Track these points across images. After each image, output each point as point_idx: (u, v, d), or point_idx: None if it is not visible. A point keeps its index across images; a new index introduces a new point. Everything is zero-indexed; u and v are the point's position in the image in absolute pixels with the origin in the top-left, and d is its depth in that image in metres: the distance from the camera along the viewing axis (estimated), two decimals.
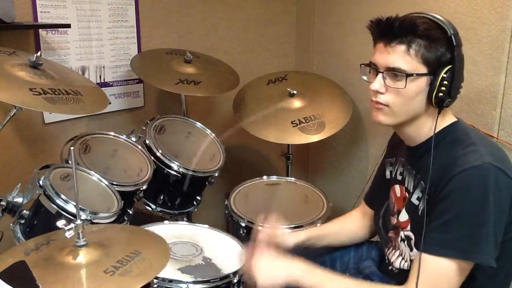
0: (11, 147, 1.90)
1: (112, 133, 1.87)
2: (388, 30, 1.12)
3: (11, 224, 1.48)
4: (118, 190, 1.64)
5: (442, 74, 1.11)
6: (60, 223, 1.09)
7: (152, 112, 2.27)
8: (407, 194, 1.26)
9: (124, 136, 1.88)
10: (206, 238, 1.58)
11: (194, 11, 2.33)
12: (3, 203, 1.43)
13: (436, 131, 1.16)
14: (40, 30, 1.87)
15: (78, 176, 1.55)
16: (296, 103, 2.22)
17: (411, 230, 1.22)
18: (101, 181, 1.63)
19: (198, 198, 2.07)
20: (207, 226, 1.66)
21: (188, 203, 2.04)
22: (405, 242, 1.24)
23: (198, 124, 2.13)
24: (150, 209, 1.96)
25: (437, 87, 1.11)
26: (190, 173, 1.89)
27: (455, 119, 1.21)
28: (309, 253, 1.50)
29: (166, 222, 1.70)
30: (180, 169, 1.87)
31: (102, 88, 1.83)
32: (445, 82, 1.11)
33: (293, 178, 2.18)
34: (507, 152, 1.33)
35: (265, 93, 2.32)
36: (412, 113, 1.17)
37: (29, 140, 1.94)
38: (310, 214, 1.87)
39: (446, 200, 1.08)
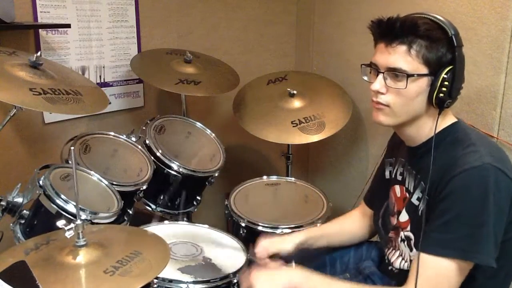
0: (11, 147, 1.90)
1: (112, 133, 1.87)
2: (389, 30, 1.12)
3: (11, 224, 1.48)
4: (118, 190, 1.64)
5: (443, 75, 1.11)
6: (60, 223, 1.08)
7: (152, 112, 2.27)
8: (407, 195, 1.26)
9: (124, 136, 1.88)
10: (206, 238, 1.58)
11: (194, 11, 2.33)
12: (3, 203, 1.43)
13: (437, 131, 1.16)
14: (40, 30, 1.87)
15: (78, 176, 1.56)
16: (296, 103, 2.22)
17: (411, 231, 1.22)
18: (101, 181, 1.63)
19: (198, 198, 2.07)
20: (207, 226, 1.66)
21: (188, 203, 2.04)
22: (405, 243, 1.24)
23: (198, 124, 2.13)
24: (150, 209, 1.96)
25: (437, 87, 1.11)
26: (187, 173, 1.88)
27: (455, 120, 1.21)
28: (309, 253, 1.51)
29: (166, 222, 1.70)
30: (180, 169, 1.87)
31: (102, 88, 1.83)
32: (446, 83, 1.11)
33: (293, 178, 2.18)
34: (507, 152, 1.33)
35: (265, 93, 2.32)
36: (413, 113, 1.17)
37: (29, 140, 1.94)
38: (310, 214, 1.87)
39: (446, 200, 1.08)
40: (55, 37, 1.93)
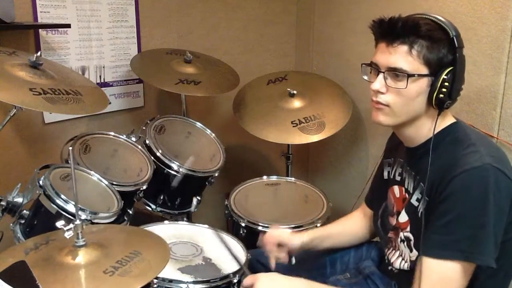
0: (11, 147, 1.90)
1: (112, 133, 1.87)
2: (390, 30, 1.12)
3: (11, 224, 1.48)
4: (118, 190, 1.64)
5: (443, 76, 1.11)
6: (59, 223, 1.08)
7: (152, 112, 2.27)
8: (407, 195, 1.26)
9: (124, 136, 1.88)
10: (206, 238, 1.58)
11: (194, 11, 2.33)
12: (3, 203, 1.43)
13: (436, 132, 1.16)
14: (40, 30, 1.87)
15: (78, 176, 1.56)
16: (296, 103, 2.22)
17: (411, 231, 1.22)
18: (101, 181, 1.63)
19: (198, 198, 2.07)
20: (207, 226, 1.66)
21: (188, 203, 2.04)
22: (405, 243, 1.24)
23: (198, 124, 2.13)
24: (150, 209, 1.96)
25: (437, 88, 1.11)
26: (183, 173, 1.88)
27: (454, 120, 1.21)
28: (310, 253, 1.51)
29: (166, 222, 1.69)
30: (180, 169, 1.87)
31: (102, 88, 1.83)
32: (446, 84, 1.11)
33: (293, 178, 2.18)
34: (507, 152, 1.33)
35: (265, 93, 2.32)
36: (413, 113, 1.16)
37: (29, 140, 1.94)
38: (310, 214, 1.87)
39: (446, 202, 1.08)
40: (55, 37, 1.93)
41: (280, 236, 1.43)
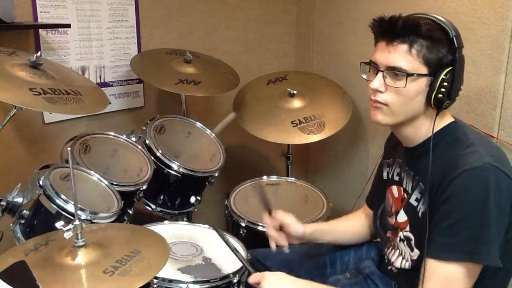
0: (11, 147, 1.90)
1: (112, 133, 1.87)
2: (390, 29, 1.12)
3: (11, 224, 1.48)
4: (118, 190, 1.64)
5: (442, 76, 1.11)
6: (59, 224, 1.08)
7: (152, 112, 2.27)
8: (405, 195, 1.26)
9: (124, 136, 1.88)
10: (206, 238, 1.58)
11: (194, 11, 2.33)
12: (3, 203, 1.43)
13: (434, 131, 1.16)
14: (40, 30, 1.87)
15: (78, 176, 1.56)
16: (296, 103, 2.22)
17: (410, 231, 1.22)
18: (101, 181, 1.63)
19: (198, 198, 2.07)
20: (207, 226, 1.66)
21: (188, 203, 2.04)
22: (405, 242, 1.24)
23: (198, 124, 2.13)
24: (150, 209, 1.96)
25: (436, 88, 1.11)
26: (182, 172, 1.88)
27: (453, 119, 1.21)
28: (310, 253, 1.51)
29: (166, 222, 1.70)
30: (180, 169, 1.87)
31: (102, 88, 1.83)
32: (445, 84, 1.11)
33: (293, 178, 2.19)
34: (507, 152, 1.33)
35: (265, 93, 2.32)
36: (411, 113, 1.16)
37: (29, 140, 1.95)
38: (310, 214, 1.87)
39: (448, 203, 1.08)
40: (55, 37, 1.93)
41: (285, 219, 1.40)
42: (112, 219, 1.52)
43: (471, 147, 1.10)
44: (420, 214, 1.18)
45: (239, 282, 1.39)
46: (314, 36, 2.61)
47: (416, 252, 1.20)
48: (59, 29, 1.92)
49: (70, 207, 1.41)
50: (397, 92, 1.13)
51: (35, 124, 1.94)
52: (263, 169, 2.73)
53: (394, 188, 1.32)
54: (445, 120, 1.19)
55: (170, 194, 1.96)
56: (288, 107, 2.21)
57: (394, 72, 1.12)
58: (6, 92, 1.31)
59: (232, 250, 1.32)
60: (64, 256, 1.08)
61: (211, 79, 2.08)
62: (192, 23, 2.33)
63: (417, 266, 1.18)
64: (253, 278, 1.19)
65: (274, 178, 2.14)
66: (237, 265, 1.41)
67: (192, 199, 1.50)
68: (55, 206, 1.40)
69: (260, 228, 1.75)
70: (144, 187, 1.76)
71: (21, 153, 1.93)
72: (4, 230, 1.48)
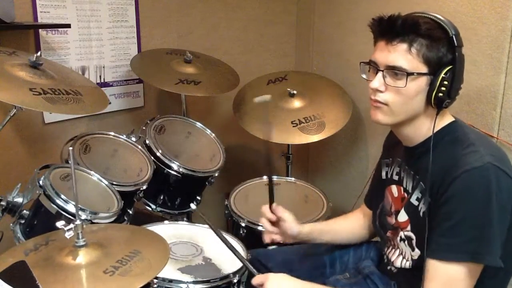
0: (11, 147, 1.90)
1: (112, 133, 1.87)
2: (390, 28, 1.12)
3: (11, 224, 1.48)
4: (118, 190, 1.64)
5: (442, 75, 1.10)
6: (60, 223, 1.08)
7: (152, 112, 2.27)
8: (405, 195, 1.26)
9: (124, 136, 1.88)
10: (206, 238, 1.58)
11: (194, 11, 2.33)
12: (3, 203, 1.43)
13: (435, 131, 1.16)
14: (40, 30, 1.87)
15: (78, 176, 1.56)
16: (296, 103, 2.22)
17: (412, 230, 1.22)
18: (101, 181, 1.64)
19: (198, 198, 2.07)
20: (207, 226, 1.66)
21: (188, 203, 2.04)
22: (406, 242, 1.24)
23: (198, 124, 2.13)
24: (150, 209, 1.96)
25: (437, 87, 1.11)
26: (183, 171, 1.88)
27: (453, 119, 1.21)
28: (310, 253, 1.51)
29: (166, 222, 1.70)
30: (180, 169, 1.87)
31: (102, 88, 1.83)
32: (445, 83, 1.11)
33: (293, 178, 2.19)
34: (507, 152, 1.33)
35: (265, 93, 2.30)
36: (411, 112, 1.16)
37: (29, 140, 1.94)
38: (310, 214, 1.87)
39: (449, 203, 1.07)
40: (55, 37, 1.93)
41: (283, 215, 1.39)
42: (112, 219, 1.52)
43: (471, 147, 1.10)
44: (421, 214, 1.18)
45: (239, 282, 1.39)
46: (314, 36, 2.61)
47: (417, 252, 1.20)
48: (59, 29, 1.92)
49: (70, 207, 1.41)
50: (397, 92, 1.13)
51: (35, 124, 1.94)
52: (263, 169, 2.72)
53: (394, 188, 1.31)
54: (445, 119, 1.19)
55: (170, 194, 1.96)
56: (288, 107, 2.21)
57: (394, 71, 1.12)
58: (6, 92, 1.31)
59: (234, 252, 1.31)
60: (65, 256, 1.08)
61: (211, 79, 2.08)
62: (192, 23, 2.33)
63: (417, 266, 1.18)
64: (256, 280, 1.19)
65: (274, 178, 2.14)
66: (237, 265, 1.41)
67: (193, 206, 1.49)
68: (55, 206, 1.41)
69: (260, 228, 1.75)
70: (144, 187, 1.76)
71: (21, 153, 1.93)
72: (4, 230, 1.48)
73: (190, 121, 2.13)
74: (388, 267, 1.32)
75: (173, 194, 1.96)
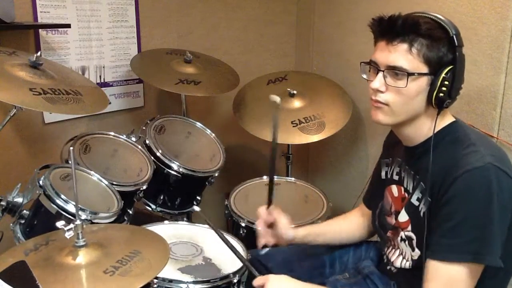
0: (11, 147, 1.90)
1: (112, 133, 1.87)
2: (390, 28, 1.12)
3: (11, 224, 1.48)
4: (118, 190, 1.64)
5: (443, 75, 1.10)
6: (60, 223, 1.08)
7: (152, 112, 2.27)
8: (406, 195, 1.26)
9: (124, 136, 1.88)
10: (206, 238, 1.58)
11: (194, 11, 2.33)
12: (3, 203, 1.43)
13: (435, 131, 1.16)
14: (40, 30, 1.87)
15: (78, 176, 1.56)
16: (296, 103, 2.22)
17: (412, 231, 1.22)
18: (101, 181, 1.64)
19: (198, 198, 2.07)
20: (207, 226, 1.66)
21: (188, 203, 2.04)
22: (406, 242, 1.24)
23: (198, 124, 2.13)
24: (150, 209, 1.96)
25: (437, 87, 1.11)
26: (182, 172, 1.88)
27: (454, 119, 1.21)
28: (309, 253, 1.51)
29: (166, 222, 1.70)
30: (180, 169, 1.87)
31: (102, 88, 1.83)
32: (446, 83, 1.10)
33: (293, 178, 2.18)
34: (507, 152, 1.33)
35: (265, 93, 2.31)
36: (412, 112, 1.16)
37: (29, 140, 1.94)
38: (310, 214, 1.87)
39: (450, 204, 1.07)
40: (55, 37, 1.93)
41: (280, 218, 1.39)
42: (112, 219, 1.52)
43: (471, 147, 1.10)
44: (421, 214, 1.17)
45: (239, 282, 1.39)
46: (314, 36, 2.61)
47: (417, 252, 1.20)
48: (59, 29, 1.92)
49: (70, 207, 1.41)
50: (398, 92, 1.13)
51: (35, 124, 1.94)
52: (263, 169, 2.72)
53: (394, 188, 1.31)
54: (446, 119, 1.19)
55: (170, 194, 1.96)
56: (288, 107, 2.21)
57: (395, 71, 1.12)
58: (6, 92, 1.31)
59: (235, 252, 1.31)
60: (65, 256, 1.08)
61: (211, 79, 2.08)
62: (192, 23, 2.33)
63: (417, 266, 1.18)
64: (257, 281, 1.19)
65: (274, 178, 2.14)
66: (237, 265, 1.41)
67: (196, 208, 1.50)
68: (55, 206, 1.41)
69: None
70: (144, 187, 1.76)
71: (21, 153, 1.93)
72: (4, 230, 1.48)
73: (190, 121, 2.13)
74: (388, 267, 1.32)
75: (173, 194, 1.96)
